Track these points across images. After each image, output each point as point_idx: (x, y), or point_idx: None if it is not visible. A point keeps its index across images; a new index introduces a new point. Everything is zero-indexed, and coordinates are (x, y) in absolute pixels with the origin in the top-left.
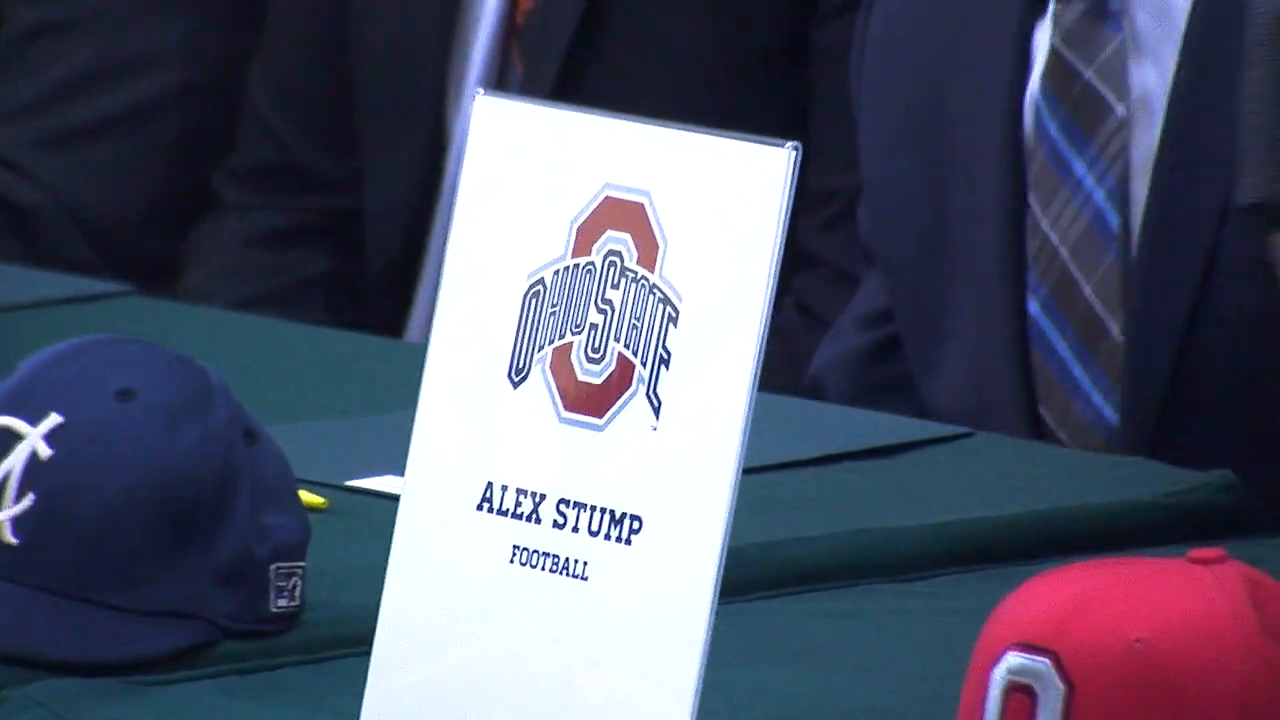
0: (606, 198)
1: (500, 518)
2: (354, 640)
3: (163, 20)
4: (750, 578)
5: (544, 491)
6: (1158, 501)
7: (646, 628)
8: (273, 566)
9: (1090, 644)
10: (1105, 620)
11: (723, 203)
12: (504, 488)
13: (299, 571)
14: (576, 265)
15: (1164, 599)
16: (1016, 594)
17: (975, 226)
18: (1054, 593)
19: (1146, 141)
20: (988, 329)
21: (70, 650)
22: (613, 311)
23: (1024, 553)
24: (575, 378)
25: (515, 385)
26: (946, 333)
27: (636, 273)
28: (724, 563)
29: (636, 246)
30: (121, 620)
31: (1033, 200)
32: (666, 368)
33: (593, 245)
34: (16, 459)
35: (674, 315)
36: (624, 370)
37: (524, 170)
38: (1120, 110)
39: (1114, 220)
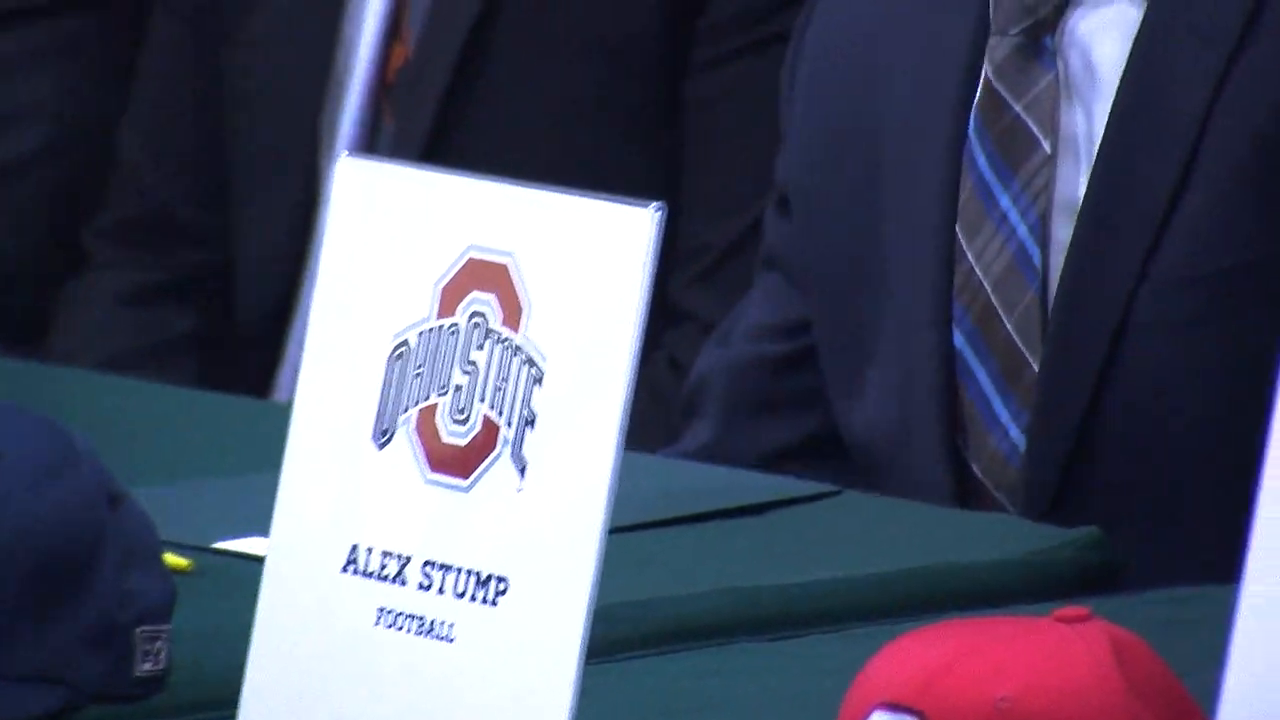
0: (470, 259)
1: (366, 579)
2: (220, 703)
3: (34, 75)
4: (619, 637)
5: (409, 553)
6: (1025, 559)
7: (513, 689)
8: (138, 630)
9: (956, 703)
10: (971, 679)
11: (587, 263)
12: (369, 549)
13: (164, 634)
14: (441, 327)
15: (1029, 658)
16: (884, 653)
17: (906, 251)
18: (921, 652)
19: (1070, 183)
20: (913, 357)
21: None
22: (477, 373)
23: (892, 611)
24: (440, 439)
25: (380, 447)
26: (870, 356)
27: (501, 334)
28: (591, 623)
29: (501, 307)
30: None
31: (960, 230)
32: (532, 428)
33: (457, 306)
34: None
35: (539, 376)
36: (489, 431)
37: (388, 232)
38: (1046, 147)
39: (1036, 257)
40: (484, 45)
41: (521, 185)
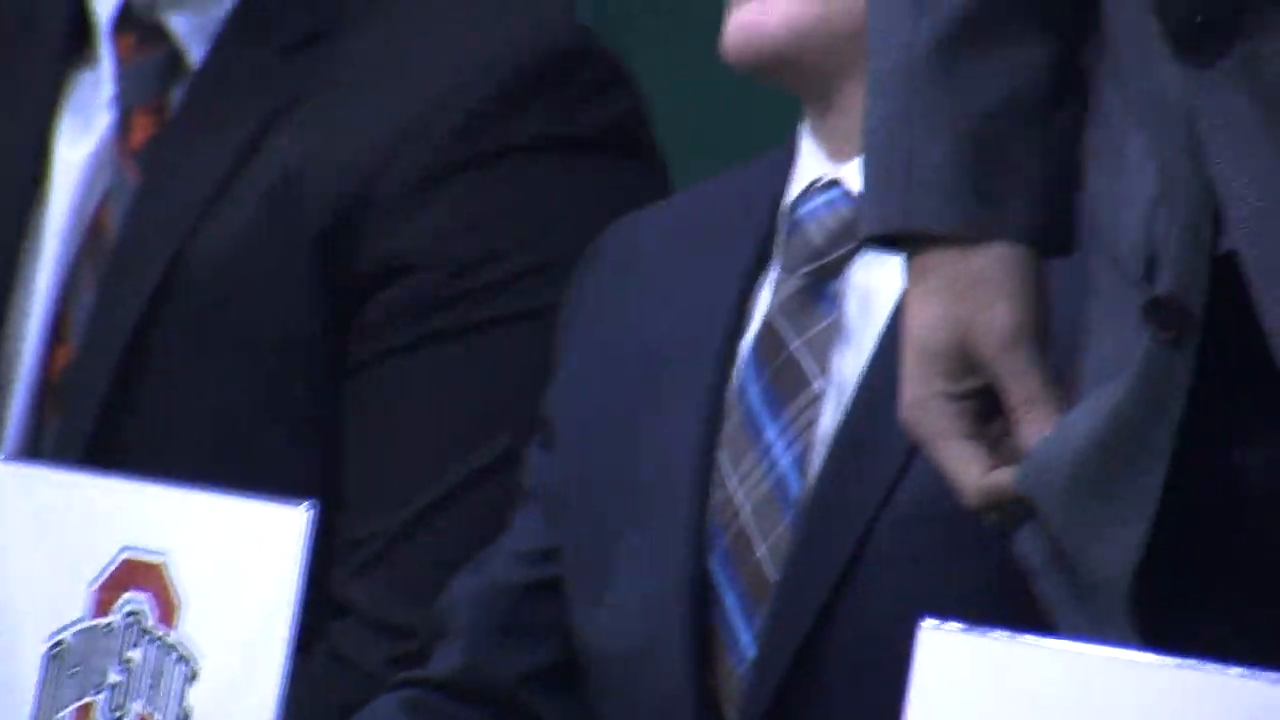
0: (125, 560)
1: None
2: None
3: None
4: None
5: None
6: None
7: None
8: None
9: None
10: None
11: (241, 561)
12: None
13: None
14: (96, 626)
15: None
16: None
17: (664, 471)
18: None
19: (832, 421)
20: (664, 579)
21: None
22: (132, 671)
23: None
24: None
25: None
26: (618, 570)
27: (155, 632)
28: None
29: (157, 605)
30: None
31: (723, 457)
32: None
33: (113, 606)
34: None
35: (193, 673)
36: None
37: (43, 535)
38: (817, 385)
39: (796, 488)
40: (147, 345)
41: (177, 486)
